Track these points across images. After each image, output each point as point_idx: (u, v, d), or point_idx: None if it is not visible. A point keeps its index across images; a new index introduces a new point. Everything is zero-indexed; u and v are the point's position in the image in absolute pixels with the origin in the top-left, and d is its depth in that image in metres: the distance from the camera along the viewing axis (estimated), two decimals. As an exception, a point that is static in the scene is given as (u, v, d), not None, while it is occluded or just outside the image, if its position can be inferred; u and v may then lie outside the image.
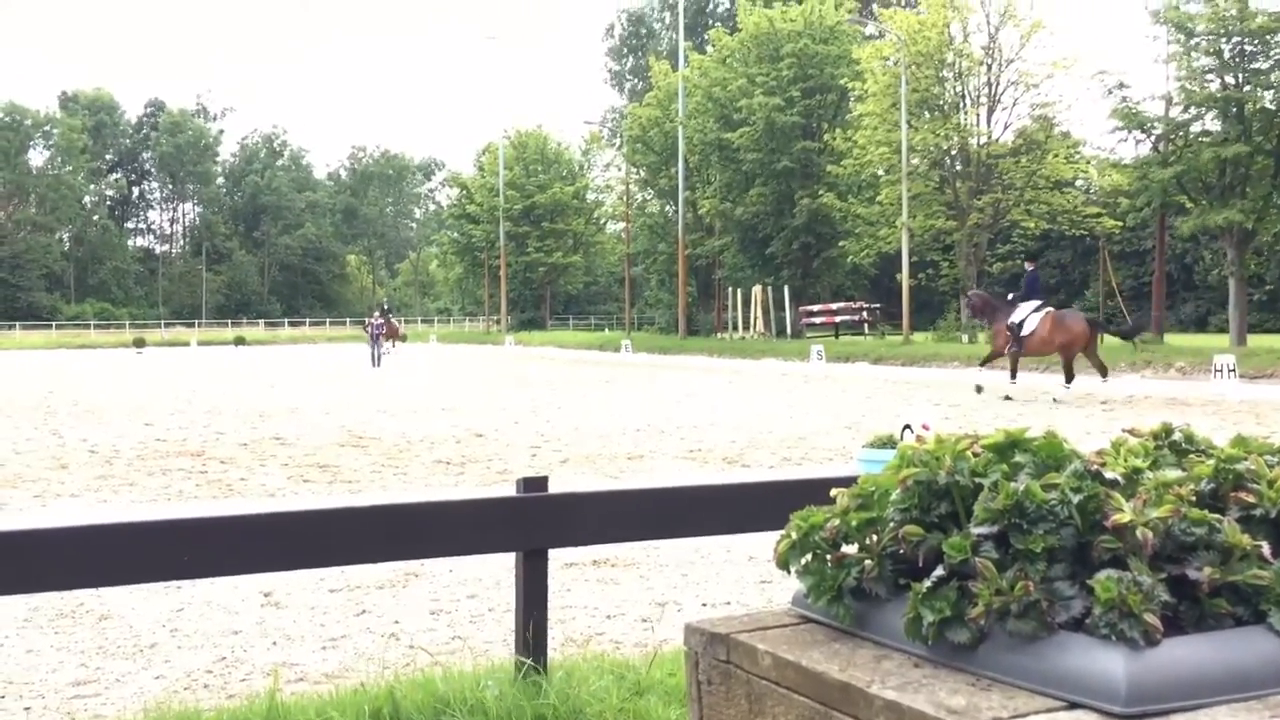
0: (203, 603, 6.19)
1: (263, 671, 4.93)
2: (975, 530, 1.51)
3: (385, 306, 51.91)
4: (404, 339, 49.08)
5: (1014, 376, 20.15)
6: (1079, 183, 43.72)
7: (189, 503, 9.48)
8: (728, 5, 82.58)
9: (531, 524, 4.20)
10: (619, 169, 68.19)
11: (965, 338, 38.46)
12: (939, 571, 1.51)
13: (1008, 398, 19.54)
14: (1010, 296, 21.01)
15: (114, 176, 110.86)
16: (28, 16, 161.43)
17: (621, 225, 69.67)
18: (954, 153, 41.21)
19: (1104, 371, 20.04)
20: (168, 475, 11.25)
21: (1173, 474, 1.58)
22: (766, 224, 49.64)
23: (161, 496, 9.88)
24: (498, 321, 74.23)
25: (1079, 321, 19.72)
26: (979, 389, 20.36)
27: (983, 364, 21.37)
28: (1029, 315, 19.60)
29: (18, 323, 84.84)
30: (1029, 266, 21.38)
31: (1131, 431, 1.81)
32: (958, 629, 1.46)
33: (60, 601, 6.14)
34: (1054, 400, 19.21)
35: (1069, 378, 19.63)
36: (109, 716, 4.36)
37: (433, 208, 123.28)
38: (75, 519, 8.04)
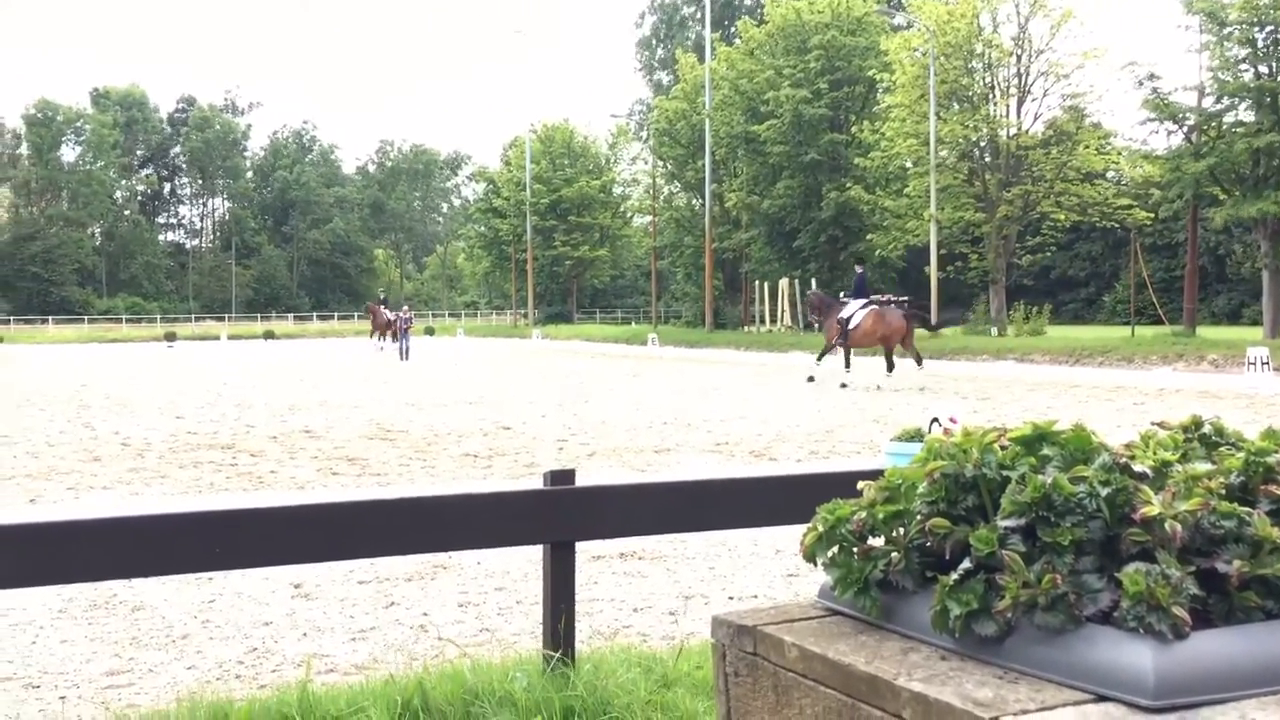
0: (234, 594, 6.25)
1: (293, 662, 4.97)
2: (1002, 523, 1.51)
3: (383, 298, 51.30)
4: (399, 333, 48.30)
5: (848, 365, 22.19)
6: (1110, 174, 43.34)
7: (220, 495, 9.57)
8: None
9: (559, 517, 4.21)
10: (645, 162, 68.18)
11: (994, 331, 38.24)
12: (966, 564, 1.51)
13: (844, 385, 21.46)
14: (841, 295, 23.69)
15: (145, 172, 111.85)
16: (59, 14, 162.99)
17: (648, 219, 69.62)
18: (983, 144, 40.94)
19: (919, 360, 22.04)
20: (199, 468, 11.35)
21: (1202, 467, 1.57)
22: (793, 217, 49.50)
23: (192, 489, 9.98)
24: (525, 315, 74.40)
25: (897, 317, 21.76)
26: (811, 379, 22.51)
27: (819, 357, 23.31)
28: (856, 311, 21.82)
29: (50, 317, 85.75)
30: (858, 269, 24.30)
31: (1161, 424, 1.80)
32: (985, 622, 1.46)
33: (94, 592, 6.21)
34: (877, 387, 21.17)
35: (890, 366, 21.64)
36: (142, 706, 4.41)
37: (460, 202, 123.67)
38: (108, 511, 8.12)
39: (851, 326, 21.67)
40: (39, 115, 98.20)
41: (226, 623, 5.71)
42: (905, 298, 48.06)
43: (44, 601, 6.01)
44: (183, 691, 4.46)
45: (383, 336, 44.88)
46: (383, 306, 47.70)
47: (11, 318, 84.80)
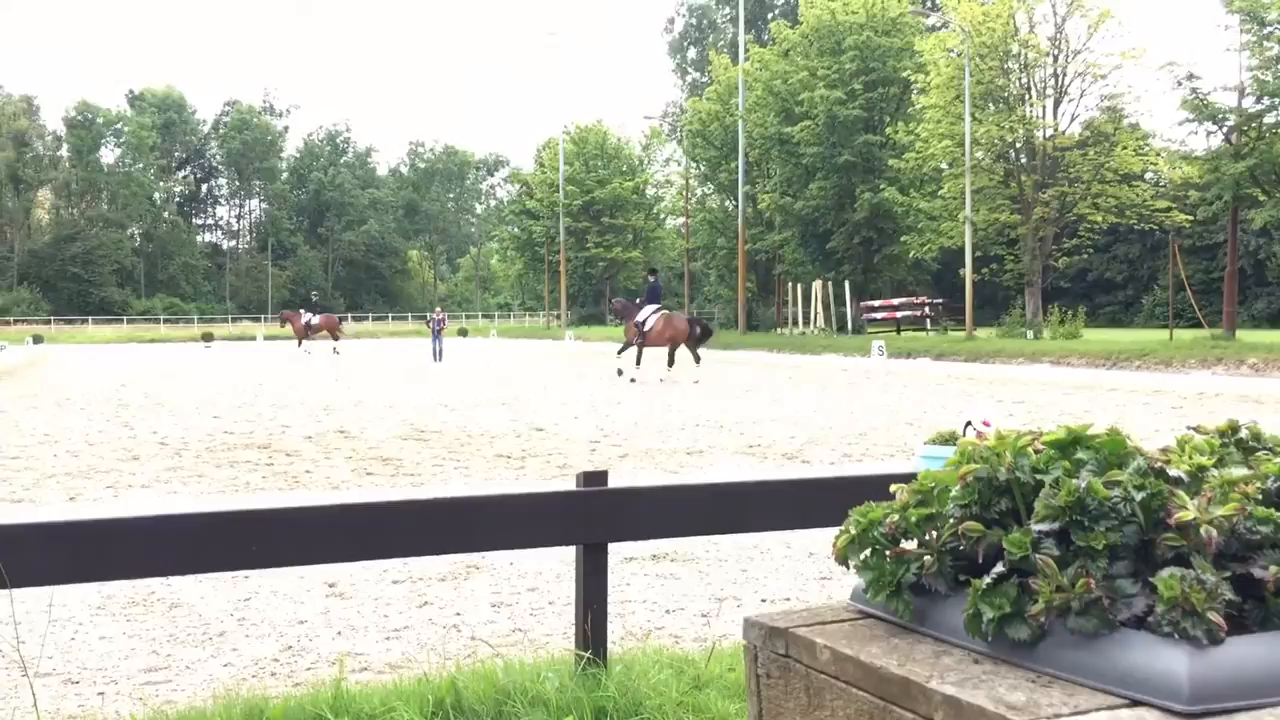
0: (269, 593, 6.31)
1: (328, 660, 5.01)
2: (1036, 527, 1.50)
3: (316, 298, 50.83)
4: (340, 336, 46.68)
5: (638, 363, 25.24)
6: (1148, 176, 42.91)
7: (256, 494, 9.65)
8: (786, 1, 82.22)
9: (591, 518, 4.22)
10: (679, 164, 68.22)
11: (1030, 334, 37.96)
12: (999, 568, 1.50)
13: (632, 380, 24.48)
14: (638, 301, 26.71)
15: (183, 173, 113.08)
16: (98, 18, 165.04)
17: (681, 220, 69.64)
18: (1019, 145, 40.65)
19: (697, 359, 25.47)
20: (235, 467, 11.45)
21: (1239, 472, 1.56)
22: (827, 218, 49.34)
23: (229, 488, 10.07)
24: (557, 316, 74.60)
25: (683, 321, 25.55)
26: (620, 372, 25.29)
27: (619, 352, 26.34)
28: (650, 316, 25.01)
29: (90, 317, 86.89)
30: (651, 278, 27.58)
31: (1197, 428, 1.79)
32: (1018, 625, 1.46)
33: (132, 590, 6.29)
34: (660, 380, 24.41)
35: (670, 362, 25.11)
36: (179, 703, 4.46)
37: (493, 203, 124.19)
38: (146, 509, 8.21)
39: (646, 329, 24.84)
40: (79, 118, 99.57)
41: (262, 621, 5.76)
42: (939, 300, 47.80)
43: (84, 599, 6.09)
44: (219, 688, 4.51)
45: (301, 342, 43.96)
46: (306, 312, 46.48)
47: (52, 318, 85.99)
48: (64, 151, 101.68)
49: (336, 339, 44.94)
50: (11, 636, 5.05)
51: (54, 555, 3.52)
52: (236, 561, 4.00)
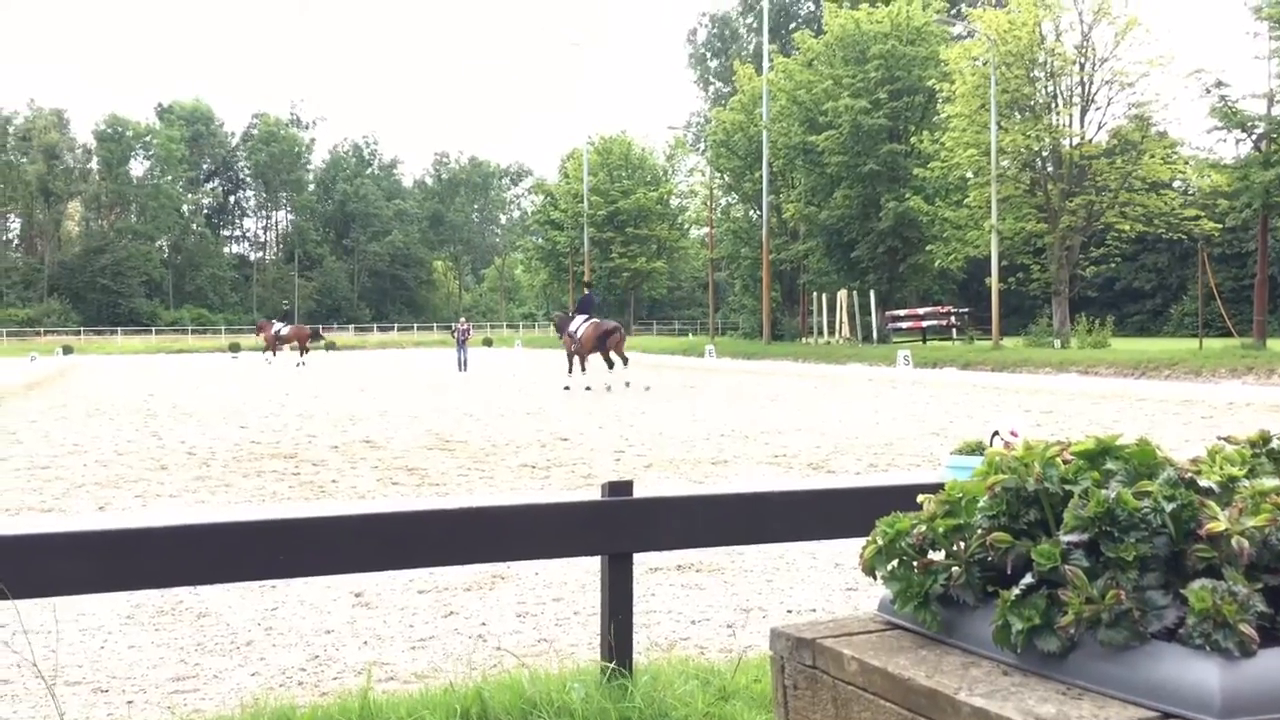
0: (296, 602, 6.34)
1: (354, 670, 5.03)
2: (1065, 538, 1.50)
3: (285, 307, 51.33)
4: (317, 346, 46.75)
5: (570, 369, 27.38)
6: (1176, 184, 42.55)
7: (282, 504, 9.70)
8: (812, 8, 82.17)
9: (616, 528, 4.22)
10: (703, 174, 68.18)
11: (1058, 343, 37.72)
12: (1028, 579, 1.50)
13: (566, 387, 26.43)
14: (571, 313, 28.96)
15: (210, 185, 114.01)
16: (128, 32, 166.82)
17: (705, 230, 69.62)
18: (1045, 154, 40.43)
19: (625, 361, 27.20)
20: (262, 477, 11.52)
21: (1270, 482, 1.55)
22: (852, 228, 49.21)
23: (256, 497, 10.13)
24: (582, 327, 74.61)
25: (611, 326, 27.34)
26: (571, 387, 26.62)
27: (569, 369, 27.91)
28: (580, 325, 27.06)
29: (119, 328, 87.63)
30: (585, 290, 30.42)
31: (1228, 439, 1.78)
32: (1047, 637, 1.45)
33: (160, 599, 6.33)
34: (607, 387, 26.28)
35: (609, 365, 26.98)
36: (208, 711, 4.49)
37: (518, 214, 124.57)
38: (174, 519, 8.27)
39: (578, 337, 26.81)
40: (109, 131, 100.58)
41: (289, 630, 5.79)
42: (965, 309, 47.50)
43: (113, 608, 6.13)
44: (246, 697, 4.53)
45: (273, 352, 44.12)
46: (277, 322, 46.64)
47: (82, 329, 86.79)
48: (94, 164, 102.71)
49: (304, 351, 45.08)
50: (41, 646, 5.10)
51: (84, 564, 3.55)
52: (264, 571, 4.02)
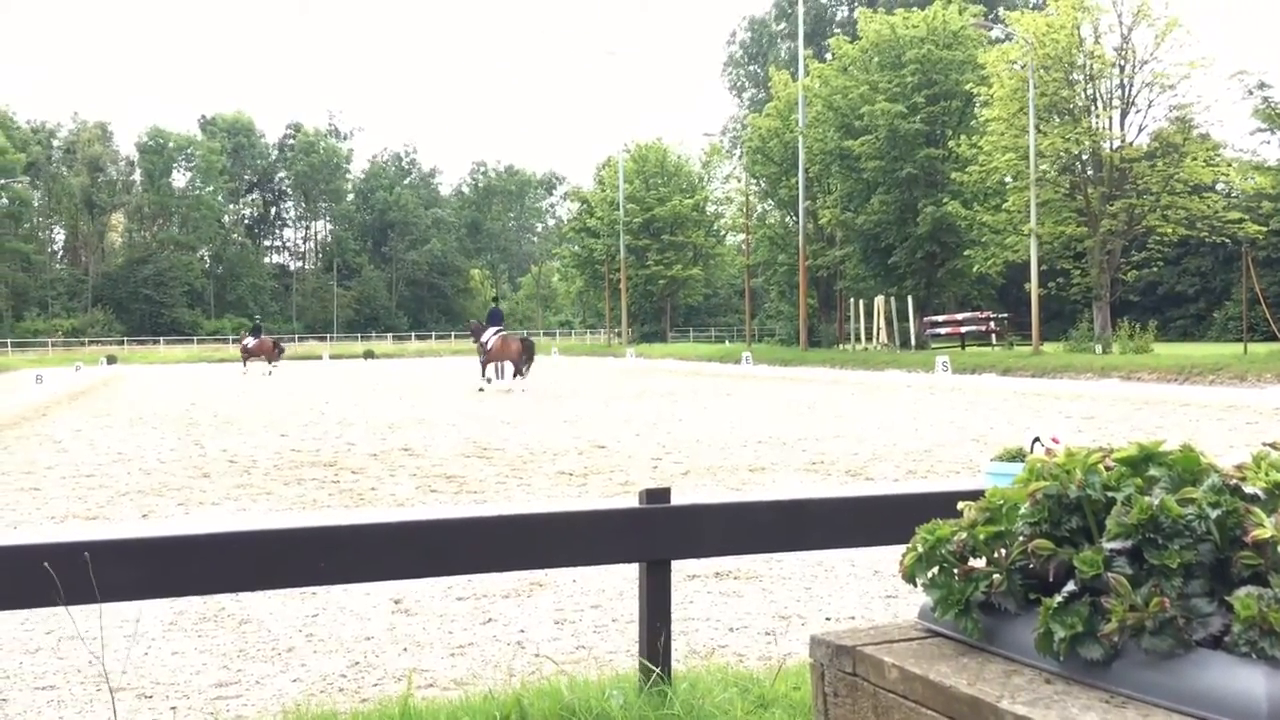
0: (336, 609, 6.38)
1: (394, 676, 5.06)
2: (1108, 545, 1.49)
3: (258, 322, 55.68)
4: (281, 353, 50.88)
5: (483, 374, 30.88)
6: (1219, 187, 42.01)
7: (323, 511, 9.78)
8: (847, 13, 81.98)
9: (654, 535, 4.22)
10: (739, 180, 68.11)
11: (1099, 348, 37.34)
12: (1070, 586, 1.49)
13: (480, 389, 29.67)
14: (483, 324, 32.21)
15: (251, 196, 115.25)
16: (170, 45, 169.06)
17: (741, 237, 69.52)
18: (1085, 157, 40.06)
19: (525, 373, 30.30)
20: (302, 485, 11.62)
21: (1318, 489, 1.53)
22: (889, 233, 48.98)
23: (296, 505, 10.22)
24: (618, 334, 74.76)
25: (516, 341, 31.01)
26: (480, 389, 29.77)
27: (482, 373, 31.30)
28: (490, 336, 30.67)
29: (162, 338, 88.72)
30: (493, 304, 34.15)
31: (1273, 445, 1.75)
32: (1090, 645, 1.44)
33: (203, 606, 6.40)
34: (508, 390, 29.46)
35: (516, 373, 30.26)
36: (250, 717, 4.53)
37: (554, 222, 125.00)
38: (217, 527, 8.36)
39: (488, 348, 30.49)
40: (151, 143, 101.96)
41: (329, 637, 5.83)
42: (1004, 315, 47.09)
43: (157, 614, 6.20)
44: (288, 703, 4.57)
45: (244, 364, 48.09)
46: (249, 336, 50.81)
47: (125, 338, 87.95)
48: (136, 176, 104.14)
49: (270, 362, 48.53)
50: (86, 652, 5.16)
51: (131, 571, 3.60)
52: (305, 578, 4.05)
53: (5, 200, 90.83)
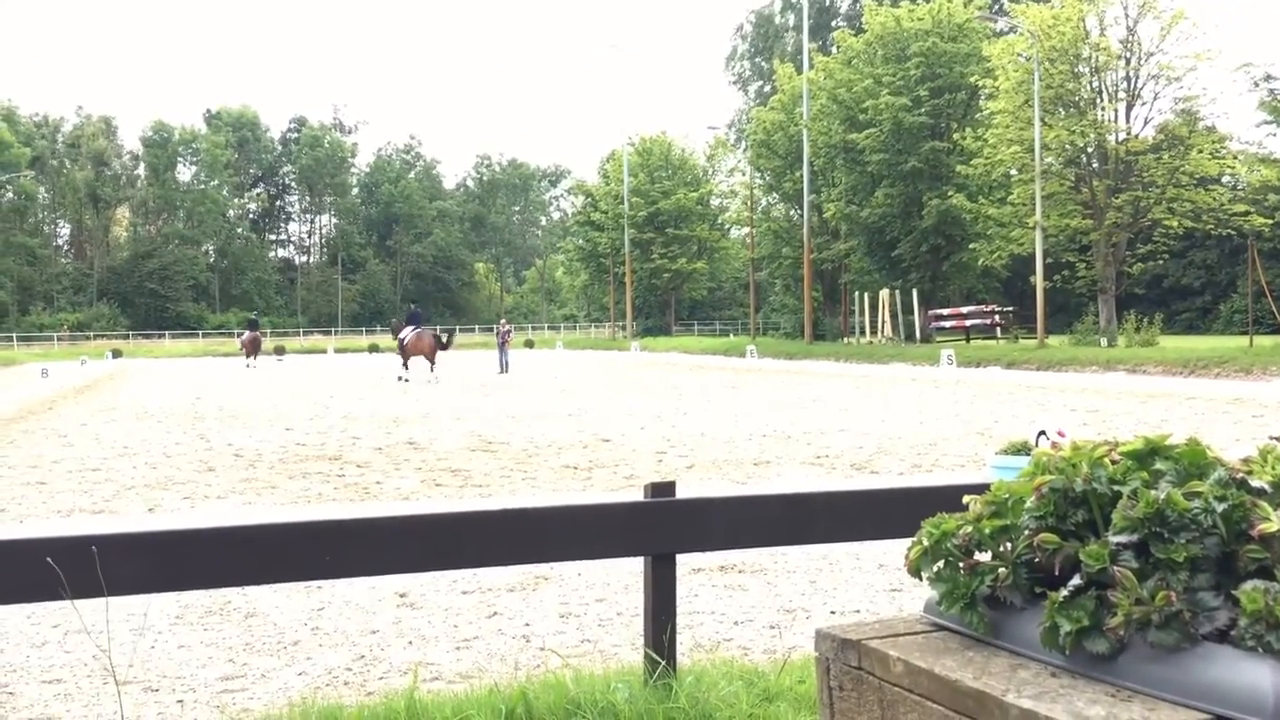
0: (342, 603, 6.40)
1: (399, 670, 5.07)
2: (1114, 539, 1.48)
3: (254, 318, 58.17)
4: (279, 354, 53.63)
5: (405, 366, 33.90)
6: (1225, 179, 41.90)
7: (328, 505, 9.79)
8: (852, 5, 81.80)
9: (659, 529, 4.22)
10: (743, 174, 68.07)
11: (1104, 341, 37.29)
12: (1076, 580, 1.49)
13: (400, 378, 32.54)
14: (404, 322, 36.01)
15: (256, 190, 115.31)
16: (175, 38, 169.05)
17: (746, 230, 69.49)
18: (1090, 150, 39.99)
19: (434, 366, 34.11)
20: (307, 479, 11.63)
21: (1325, 482, 1.52)
22: (894, 226, 48.93)
23: (302, 499, 10.23)
24: (623, 328, 74.78)
25: (429, 337, 34.20)
26: (400, 379, 32.61)
27: (403, 365, 34.29)
28: (408, 333, 34.29)
29: (167, 332, 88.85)
30: (412, 306, 39.08)
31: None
32: (1096, 639, 1.44)
33: (209, 600, 6.41)
34: (427, 380, 32.31)
35: (431, 367, 34.00)
36: (256, 710, 4.54)
37: (558, 215, 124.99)
38: (223, 520, 8.38)
39: (406, 343, 34.02)
40: (155, 137, 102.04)
41: (335, 630, 5.85)
42: (1009, 308, 47.06)
43: (163, 608, 6.22)
44: (294, 697, 4.58)
45: (250, 356, 50.11)
46: (247, 330, 53.28)
47: (130, 332, 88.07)
48: (141, 170, 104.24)
49: (251, 356, 50.34)
50: (92, 646, 5.18)
51: (137, 565, 3.61)
52: (310, 571, 4.06)
53: (10, 195, 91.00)
